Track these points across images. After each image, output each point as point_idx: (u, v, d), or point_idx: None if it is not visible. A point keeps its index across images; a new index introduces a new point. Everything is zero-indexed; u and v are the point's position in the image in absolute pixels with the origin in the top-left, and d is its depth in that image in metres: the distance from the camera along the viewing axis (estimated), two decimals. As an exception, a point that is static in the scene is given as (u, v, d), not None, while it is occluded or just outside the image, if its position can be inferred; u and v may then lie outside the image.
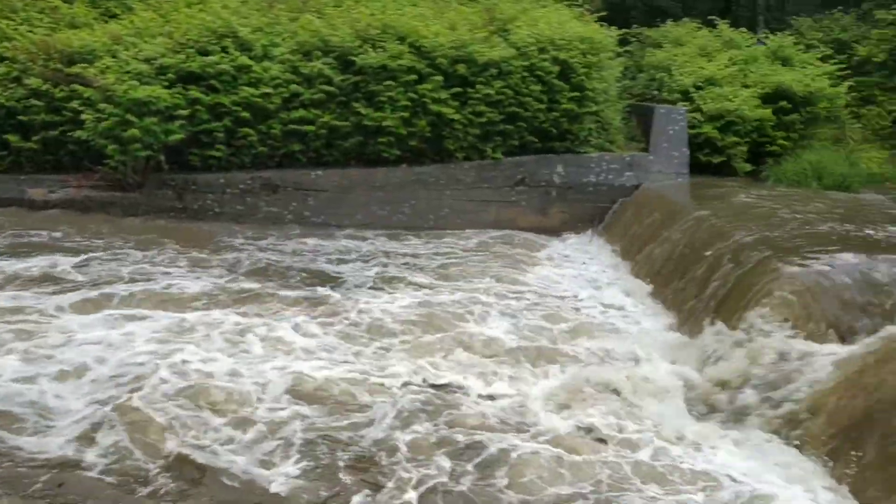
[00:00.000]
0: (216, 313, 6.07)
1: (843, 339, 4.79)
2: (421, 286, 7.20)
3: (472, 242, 9.35)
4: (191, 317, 5.93)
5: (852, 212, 8.21)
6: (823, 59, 13.16)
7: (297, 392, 4.70)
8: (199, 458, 3.87)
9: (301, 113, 9.97)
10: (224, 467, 3.80)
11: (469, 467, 3.87)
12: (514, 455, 3.98)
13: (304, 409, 4.48)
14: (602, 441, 4.25)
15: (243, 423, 4.28)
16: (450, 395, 4.79)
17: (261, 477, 3.75)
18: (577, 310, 6.78)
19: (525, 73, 10.17)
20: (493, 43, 10.28)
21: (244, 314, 6.10)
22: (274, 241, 8.99)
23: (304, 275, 7.50)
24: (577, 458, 3.99)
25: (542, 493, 3.68)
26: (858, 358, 4.34)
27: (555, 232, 10.22)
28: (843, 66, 13.11)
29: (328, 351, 5.47)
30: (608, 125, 10.91)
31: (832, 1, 16.69)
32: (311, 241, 9.05)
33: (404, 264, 8.12)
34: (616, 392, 4.89)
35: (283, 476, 3.77)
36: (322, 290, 6.87)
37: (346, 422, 4.36)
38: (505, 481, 3.78)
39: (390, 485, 3.69)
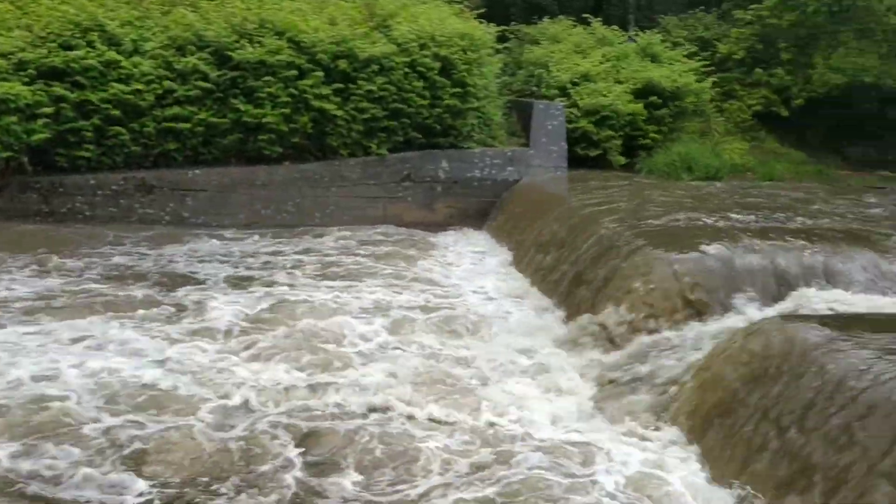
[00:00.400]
0: (44, 318, 5.77)
1: (705, 322, 5.06)
2: (289, 285, 6.99)
3: (357, 239, 9.26)
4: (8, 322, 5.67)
5: (717, 200, 8.72)
6: (689, 57, 13.89)
7: (109, 396, 4.45)
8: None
9: (176, 110, 9.62)
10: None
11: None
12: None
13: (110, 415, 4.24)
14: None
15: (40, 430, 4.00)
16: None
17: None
18: (459, 301, 6.78)
19: (407, 70, 10.20)
20: (374, 39, 10.27)
21: (72, 317, 5.78)
22: (141, 244, 8.53)
23: (158, 276, 7.18)
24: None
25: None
26: (719, 340, 4.58)
27: (441, 226, 10.32)
28: (707, 62, 13.95)
29: (141, 354, 5.12)
30: (490, 121, 11.11)
31: (696, 1, 17.58)
32: (185, 244, 8.64)
33: (270, 264, 7.83)
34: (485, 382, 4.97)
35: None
36: (171, 293, 6.56)
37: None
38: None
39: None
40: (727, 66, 15.17)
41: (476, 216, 10.49)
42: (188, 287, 6.88)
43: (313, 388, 4.70)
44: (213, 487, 3.61)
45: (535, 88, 12.85)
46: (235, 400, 4.51)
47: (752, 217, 7.24)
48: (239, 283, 7.12)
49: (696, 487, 3.64)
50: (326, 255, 8.33)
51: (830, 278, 5.36)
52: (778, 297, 5.19)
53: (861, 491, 3.00)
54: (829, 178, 13.16)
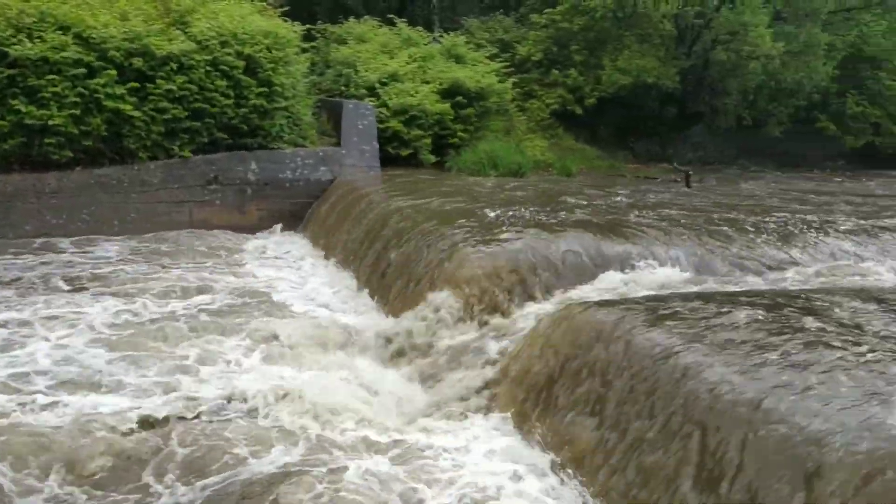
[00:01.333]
0: None
1: (517, 309, 5.32)
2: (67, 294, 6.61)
3: (164, 245, 8.84)
4: None
5: (527, 194, 9.18)
6: (491, 58, 14.48)
7: None
8: None
9: (-58, 112, 8.62)
10: None
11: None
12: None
13: None
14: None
15: None
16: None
17: None
18: (275, 305, 6.67)
19: (209, 68, 9.80)
20: (171, 35, 9.76)
21: None
22: None
23: None
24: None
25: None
26: (533, 327, 4.83)
27: (253, 230, 10.09)
28: (508, 64, 14.64)
29: None
30: (299, 120, 10.94)
31: (495, 4, 18.31)
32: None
33: (55, 275, 7.37)
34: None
35: None
36: None
37: None
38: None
39: None
40: (526, 68, 15.98)
41: (290, 218, 10.34)
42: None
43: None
44: None
45: (343, 88, 12.82)
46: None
47: (540, 209, 7.70)
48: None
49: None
50: (113, 265, 7.86)
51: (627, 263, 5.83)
52: (582, 281, 5.52)
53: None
54: (618, 170, 14.34)
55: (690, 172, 12.43)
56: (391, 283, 6.54)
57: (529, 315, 5.13)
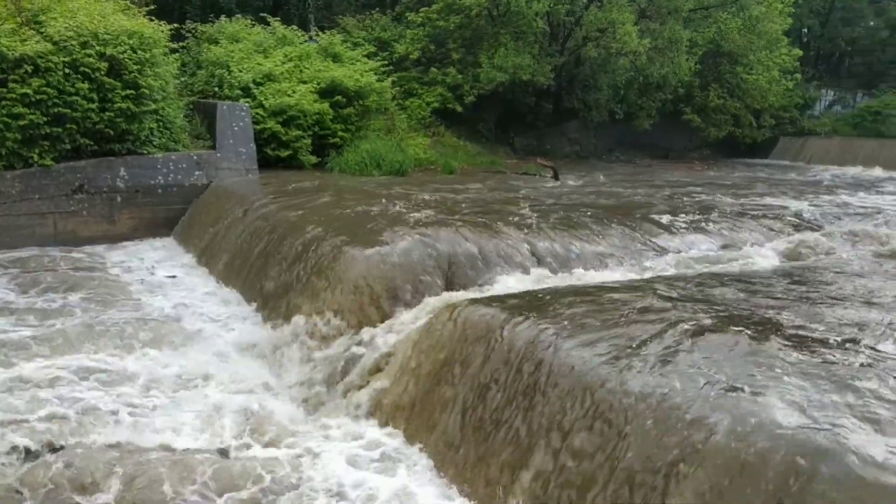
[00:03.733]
0: None
1: (403, 312, 5.31)
2: None
3: (28, 261, 8.26)
4: None
5: (408, 192, 9.18)
6: (369, 57, 14.43)
7: None
8: None
9: None
10: None
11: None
12: None
13: None
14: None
15: None
16: None
17: None
18: (149, 318, 6.37)
19: (68, 70, 9.19)
20: (24, 35, 9.11)
21: None
22: None
23: None
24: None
25: None
26: (418, 329, 4.81)
27: (125, 239, 9.66)
28: (386, 62, 14.59)
29: None
30: (171, 124, 10.49)
31: (371, 2, 18.23)
32: None
33: None
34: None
35: None
36: None
37: None
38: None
39: None
40: (405, 66, 16.02)
41: (164, 225, 9.96)
42: None
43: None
44: None
45: (217, 89, 12.41)
46: None
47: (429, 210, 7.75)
48: None
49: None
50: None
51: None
52: (474, 283, 5.59)
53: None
54: (499, 166, 14.56)
55: (552, 168, 12.96)
56: (274, 291, 6.37)
57: (422, 311, 5.10)
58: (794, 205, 9.57)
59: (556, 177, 12.46)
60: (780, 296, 4.56)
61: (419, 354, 4.48)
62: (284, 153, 11.98)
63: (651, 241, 6.73)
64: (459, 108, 15.51)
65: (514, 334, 3.97)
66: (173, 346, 5.68)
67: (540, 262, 5.96)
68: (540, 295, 4.69)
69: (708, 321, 3.89)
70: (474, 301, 4.63)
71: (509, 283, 5.47)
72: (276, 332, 5.79)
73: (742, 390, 3.00)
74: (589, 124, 18.75)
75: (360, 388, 4.76)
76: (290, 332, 5.60)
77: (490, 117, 16.47)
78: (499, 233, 6.35)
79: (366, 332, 5.15)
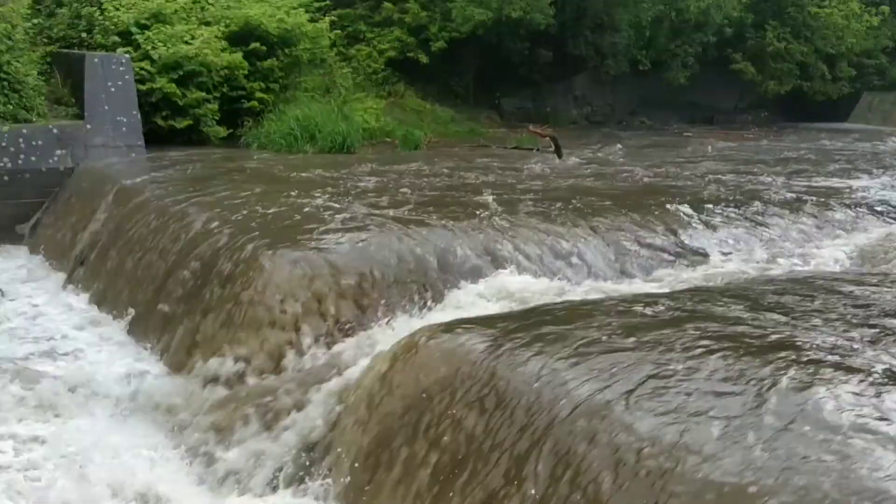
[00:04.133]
0: None
1: (345, 339, 5.32)
2: None
3: None
4: None
5: (353, 178, 9.20)
6: (299, -12, 14.22)
7: None
8: None
9: None
10: None
11: None
12: None
13: None
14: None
15: None
16: None
17: None
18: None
19: None
20: None
21: None
22: None
23: None
24: None
25: None
26: (368, 367, 4.75)
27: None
28: (322, -5, 14.38)
29: None
30: (19, 84, 10.36)
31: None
32: None
33: None
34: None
35: None
36: None
37: None
38: None
39: None
40: (349, 1, 15.92)
41: (9, 227, 9.86)
42: None
43: None
44: None
45: (85, 35, 12.28)
46: None
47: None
48: None
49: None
50: None
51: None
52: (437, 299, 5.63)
53: None
54: (480, 138, 14.47)
55: (553, 138, 12.67)
56: (171, 322, 6.32)
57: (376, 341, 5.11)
58: (878, 188, 9.62)
59: (558, 151, 12.45)
60: (839, 313, 4.54)
61: (375, 404, 4.43)
62: (182, 123, 11.93)
63: (685, 241, 6.87)
64: (425, 59, 15.49)
65: (514, 376, 3.92)
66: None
67: (518, 268, 6.05)
68: (526, 318, 4.67)
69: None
70: (446, 327, 4.59)
71: (478, 304, 5.47)
72: (181, 379, 5.75)
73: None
74: (603, 78, 18.82)
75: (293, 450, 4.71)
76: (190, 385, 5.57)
77: (467, 71, 16.51)
78: (468, 235, 6.38)
79: (305, 370, 5.16)
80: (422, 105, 15.22)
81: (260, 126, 12.50)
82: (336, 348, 5.28)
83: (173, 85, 11.75)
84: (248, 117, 12.72)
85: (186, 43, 11.98)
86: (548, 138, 13.04)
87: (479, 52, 16.20)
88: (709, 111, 20.42)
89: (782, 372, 3.54)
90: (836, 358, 3.75)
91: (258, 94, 12.81)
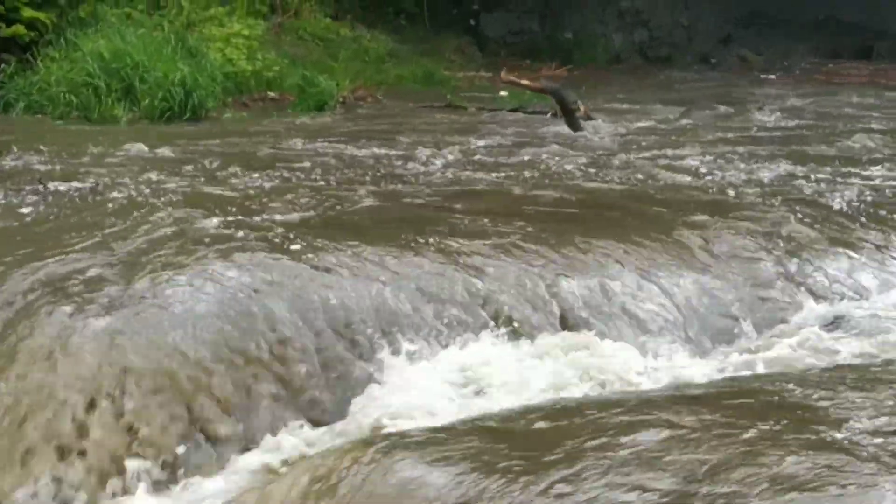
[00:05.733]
0: None
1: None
2: None
3: None
4: None
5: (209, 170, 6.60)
6: None
7: None
8: None
9: None
10: None
11: None
12: None
13: None
14: None
15: None
16: None
17: None
18: None
19: None
20: None
21: None
22: None
23: None
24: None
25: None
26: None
27: None
28: None
29: None
30: None
31: None
32: None
33: None
34: None
35: None
36: None
37: None
38: None
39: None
40: None
41: None
42: None
43: None
44: None
45: None
46: None
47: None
48: None
49: None
50: None
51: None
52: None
53: None
54: (445, 91, 11.55)
55: (560, 98, 9.28)
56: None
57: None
58: None
59: (568, 119, 8.51)
60: None
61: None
62: None
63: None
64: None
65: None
66: None
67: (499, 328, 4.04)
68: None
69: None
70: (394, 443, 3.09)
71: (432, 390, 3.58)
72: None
73: None
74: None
75: None
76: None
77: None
78: (422, 268, 4.33)
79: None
80: (334, 29, 12.59)
81: (31, 73, 9.89)
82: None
83: None
84: (11, 58, 10.15)
85: None
86: (554, 94, 9.42)
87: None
88: (865, 35, 15.73)
89: None
90: None
91: (26, 13, 10.27)
